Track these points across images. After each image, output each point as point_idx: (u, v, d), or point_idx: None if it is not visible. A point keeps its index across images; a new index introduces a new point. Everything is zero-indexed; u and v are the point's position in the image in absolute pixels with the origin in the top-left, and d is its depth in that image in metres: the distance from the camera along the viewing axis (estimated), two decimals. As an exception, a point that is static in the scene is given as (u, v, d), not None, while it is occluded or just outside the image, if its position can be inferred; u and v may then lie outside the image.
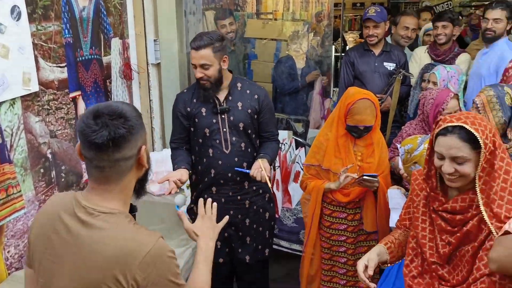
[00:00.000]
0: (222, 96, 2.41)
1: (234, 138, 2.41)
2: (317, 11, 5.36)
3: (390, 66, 3.44)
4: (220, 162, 2.42)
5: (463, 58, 3.65)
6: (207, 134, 2.42)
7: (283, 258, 3.03)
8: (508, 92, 2.22)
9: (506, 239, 1.41)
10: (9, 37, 2.12)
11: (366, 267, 1.72)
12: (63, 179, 2.60)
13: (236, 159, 2.41)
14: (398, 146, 2.42)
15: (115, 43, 3.08)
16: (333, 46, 4.17)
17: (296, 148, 3.22)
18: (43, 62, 2.39)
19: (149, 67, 3.46)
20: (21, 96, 2.24)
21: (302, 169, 3.06)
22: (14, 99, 2.20)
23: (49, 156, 2.49)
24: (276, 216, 2.87)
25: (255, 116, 2.45)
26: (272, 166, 2.88)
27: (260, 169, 2.28)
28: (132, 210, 1.35)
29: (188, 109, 2.45)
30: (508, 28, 3.35)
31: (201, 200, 1.62)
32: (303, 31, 4.76)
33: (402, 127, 2.81)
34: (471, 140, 1.45)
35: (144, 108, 3.49)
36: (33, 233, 1.30)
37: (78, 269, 1.20)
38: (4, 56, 2.10)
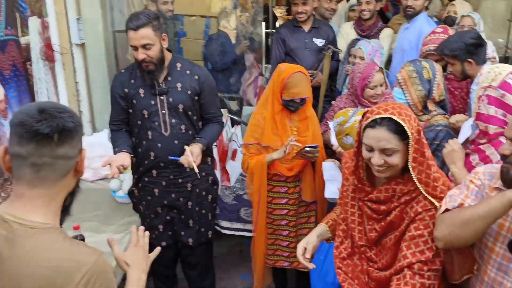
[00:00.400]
0: (161, 76, 2.33)
1: (173, 120, 2.35)
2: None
3: (319, 42, 3.51)
4: (159, 145, 2.36)
5: (386, 33, 3.81)
6: (146, 116, 2.34)
7: (223, 235, 3.06)
8: (425, 67, 2.36)
9: (445, 217, 1.49)
10: None
11: (305, 249, 1.77)
12: (-16, 171, 2.43)
13: (176, 141, 2.36)
14: (329, 122, 2.50)
15: (33, 22, 2.87)
16: (263, 23, 4.16)
17: (232, 126, 3.22)
18: (-48, 45, 2.19)
19: (73, 47, 3.27)
20: None
21: (239, 147, 3.08)
22: None
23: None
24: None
25: (196, 98, 2.39)
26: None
27: (187, 156, 2.23)
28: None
29: (126, 90, 2.36)
30: (426, 4, 3.54)
31: (134, 227, 1.51)
32: (230, 7, 4.71)
33: (333, 102, 2.90)
34: (399, 131, 1.49)
35: (70, 91, 3.31)
36: None
37: None
38: None
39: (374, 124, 1.52)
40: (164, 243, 2.50)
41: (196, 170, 2.22)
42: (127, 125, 2.46)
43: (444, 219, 1.49)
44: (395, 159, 1.52)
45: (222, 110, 3.36)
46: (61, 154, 1.08)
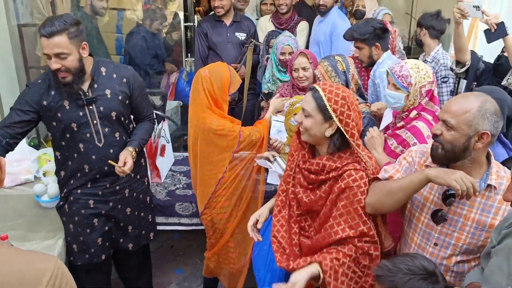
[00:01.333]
0: (85, 85, 2.16)
1: (106, 129, 2.23)
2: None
3: (241, 36, 3.59)
4: (94, 157, 2.24)
5: (303, 26, 4.00)
6: (75, 129, 2.19)
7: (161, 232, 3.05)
8: (339, 60, 2.55)
9: (375, 185, 1.73)
10: None
11: (257, 222, 1.91)
12: None
13: (111, 150, 2.25)
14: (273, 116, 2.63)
15: None
16: (181, 14, 4.13)
17: (159, 122, 3.18)
18: None
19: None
20: None
21: (168, 142, 3.06)
22: None
23: None
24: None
25: (127, 102, 2.29)
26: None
27: (120, 166, 2.17)
28: None
29: (45, 102, 2.14)
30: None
31: None
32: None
33: (277, 88, 3.02)
34: (323, 105, 1.69)
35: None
36: None
37: None
38: None
39: (310, 89, 1.77)
40: (103, 256, 2.40)
41: (128, 172, 2.19)
42: (13, 138, 2.14)
43: (374, 187, 1.72)
44: (307, 123, 1.73)
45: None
46: None
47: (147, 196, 2.55)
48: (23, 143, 2.92)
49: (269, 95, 3.16)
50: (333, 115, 1.67)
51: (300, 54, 2.76)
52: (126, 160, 2.20)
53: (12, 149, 2.17)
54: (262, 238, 1.97)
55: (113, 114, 2.24)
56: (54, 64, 2.02)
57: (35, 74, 3.66)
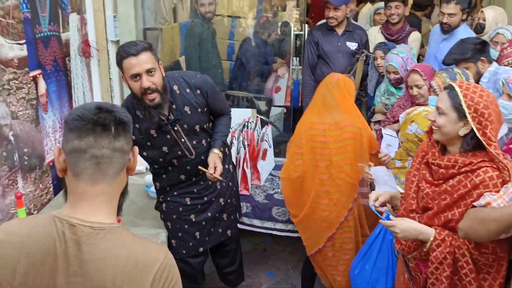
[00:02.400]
0: (165, 109, 2.15)
1: (194, 142, 2.30)
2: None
3: (352, 45, 3.53)
4: (188, 167, 2.34)
5: (415, 37, 3.80)
6: (166, 151, 2.26)
7: (247, 233, 3.10)
8: (458, 72, 2.41)
9: (471, 211, 1.60)
10: (-33, 11, 1.96)
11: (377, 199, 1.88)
12: (26, 162, 2.49)
13: (202, 157, 2.33)
14: (383, 129, 2.56)
15: (73, 19, 2.93)
16: (292, 24, 4.20)
17: (262, 127, 3.25)
18: (2, 39, 2.24)
19: (109, 44, 3.33)
20: (-19, 76, 2.11)
21: (270, 146, 3.12)
22: (-26, 78, 2.06)
23: (11, 138, 2.36)
24: (247, 193, 2.92)
25: (205, 109, 2.32)
26: (242, 144, 2.91)
27: (211, 171, 2.22)
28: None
29: (133, 137, 2.23)
30: (464, 18, 3.50)
31: None
32: (252, 7, 4.76)
33: (397, 100, 2.94)
34: (458, 105, 1.63)
35: (104, 87, 3.37)
36: None
37: None
38: (-37, 33, 1.95)
39: (446, 87, 1.72)
40: (201, 249, 2.50)
41: (220, 178, 2.25)
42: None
43: (470, 213, 1.59)
44: (440, 121, 1.67)
45: (251, 110, 3.43)
46: (119, 147, 1.10)
47: (229, 182, 2.57)
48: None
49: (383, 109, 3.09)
50: (468, 113, 1.60)
51: (412, 72, 2.62)
52: (215, 164, 2.25)
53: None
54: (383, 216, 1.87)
55: (197, 127, 2.30)
56: (146, 82, 2.00)
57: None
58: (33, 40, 2.50)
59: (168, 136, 2.23)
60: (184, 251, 2.49)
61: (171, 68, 4.37)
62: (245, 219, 2.88)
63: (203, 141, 2.35)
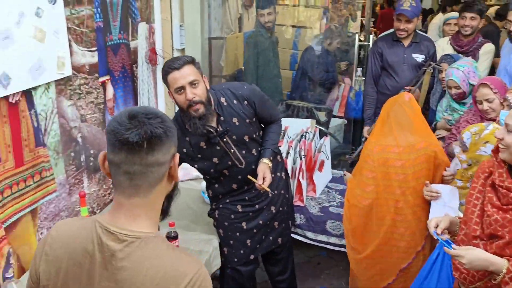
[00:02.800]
0: (213, 121, 2.20)
1: (244, 152, 2.31)
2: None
3: (419, 57, 3.39)
4: (239, 177, 2.36)
5: (487, 49, 3.56)
6: (217, 162, 2.30)
7: (300, 245, 3.05)
8: None
9: None
10: (45, 21, 2.11)
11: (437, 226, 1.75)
12: (91, 163, 2.62)
13: (253, 166, 2.34)
14: (455, 146, 2.38)
15: (142, 27, 3.07)
16: (357, 35, 4.11)
17: (321, 138, 3.21)
18: (76, 46, 2.39)
19: (174, 52, 3.45)
20: (55, 80, 2.25)
21: (327, 158, 3.07)
22: (49, 83, 2.21)
23: (79, 140, 2.51)
24: (301, 204, 2.89)
25: (254, 119, 2.32)
26: (299, 155, 2.88)
27: (260, 182, 2.21)
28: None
29: (185, 150, 2.26)
30: None
31: None
32: (319, 17, 4.72)
33: (463, 114, 2.77)
34: None
35: (167, 93, 3.48)
36: (42, 269, 1.12)
37: None
38: (41, 40, 2.10)
39: None
40: (252, 256, 2.51)
41: (268, 190, 2.23)
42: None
43: None
44: (509, 139, 1.56)
45: (310, 120, 3.40)
46: (152, 162, 1.06)
47: (281, 190, 2.55)
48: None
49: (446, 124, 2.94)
50: None
51: (481, 85, 2.45)
52: (264, 175, 2.24)
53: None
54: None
55: (246, 137, 2.30)
56: (190, 94, 2.05)
57: (216, 82, 4.04)
58: (104, 47, 2.65)
59: (218, 148, 2.26)
60: (235, 259, 2.50)
61: (234, 77, 4.44)
62: (298, 230, 2.85)
63: (253, 151, 2.36)
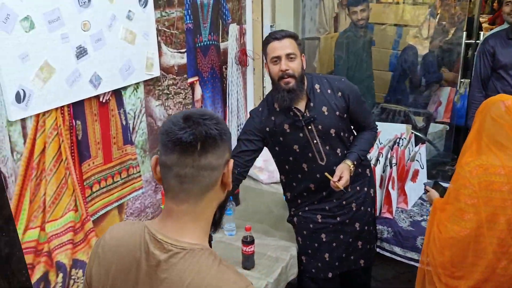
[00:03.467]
0: (302, 105, 2.16)
1: (327, 147, 2.20)
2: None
3: (539, 58, 2.97)
4: (318, 175, 2.24)
5: None
6: (297, 150, 2.22)
7: (390, 258, 2.84)
8: None
9: None
10: (136, 23, 2.19)
11: None
12: (177, 162, 2.68)
13: (334, 167, 2.20)
14: None
15: (233, 29, 3.08)
16: (464, 33, 3.72)
17: (416, 145, 2.95)
18: (165, 48, 2.46)
19: (264, 53, 3.42)
20: (144, 81, 2.33)
21: (422, 168, 2.81)
22: (137, 83, 2.29)
23: (166, 139, 2.57)
24: (390, 216, 2.68)
25: (345, 115, 2.21)
26: (389, 162, 2.67)
27: (335, 180, 2.09)
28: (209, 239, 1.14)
29: (268, 128, 2.22)
30: None
31: None
32: (425, 16, 4.37)
33: None
34: None
35: (257, 94, 3.47)
36: (95, 270, 1.11)
37: None
38: (131, 42, 2.19)
39: None
40: (330, 274, 2.37)
41: (341, 188, 2.09)
42: (241, 167, 2.21)
43: None
44: None
45: (405, 125, 3.15)
46: (205, 164, 1.00)
47: (368, 208, 2.39)
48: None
49: None
50: None
51: None
52: (342, 174, 2.11)
53: (244, 178, 2.28)
54: None
55: (332, 131, 2.19)
56: (284, 65, 2.05)
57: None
58: (193, 49, 2.70)
59: (301, 134, 2.19)
60: (313, 270, 2.39)
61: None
62: (385, 245, 2.64)
63: (338, 150, 2.23)
